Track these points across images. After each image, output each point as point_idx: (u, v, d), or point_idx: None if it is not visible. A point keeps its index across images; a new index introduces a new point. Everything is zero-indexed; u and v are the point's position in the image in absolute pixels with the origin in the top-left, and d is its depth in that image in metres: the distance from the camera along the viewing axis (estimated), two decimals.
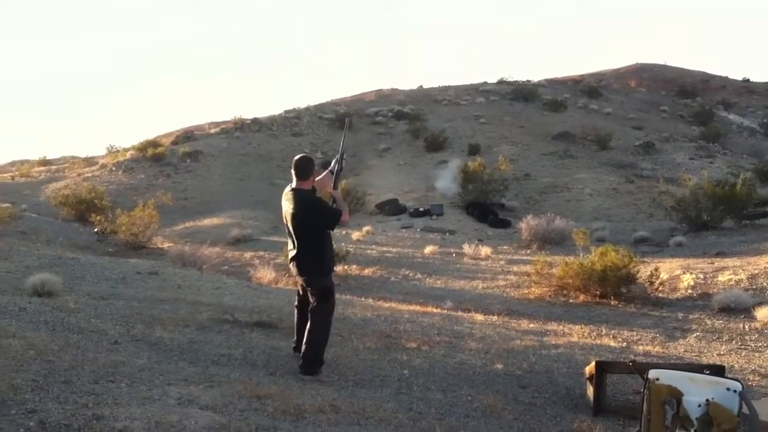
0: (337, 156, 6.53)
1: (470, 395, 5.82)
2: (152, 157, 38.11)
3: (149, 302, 8.53)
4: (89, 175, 36.75)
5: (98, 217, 19.33)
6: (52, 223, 21.06)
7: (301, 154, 6.47)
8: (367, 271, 15.52)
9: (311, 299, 6.18)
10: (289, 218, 6.11)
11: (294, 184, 6.20)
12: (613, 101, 55.69)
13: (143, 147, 40.49)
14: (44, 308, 7.24)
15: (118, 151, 43.64)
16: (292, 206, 6.07)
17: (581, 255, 12.93)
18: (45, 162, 46.83)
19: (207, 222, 25.69)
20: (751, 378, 6.81)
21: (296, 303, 6.57)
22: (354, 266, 15.79)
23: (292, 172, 6.21)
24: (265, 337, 7.37)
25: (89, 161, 43.44)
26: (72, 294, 8.38)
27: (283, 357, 6.54)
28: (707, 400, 4.37)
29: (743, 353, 8.22)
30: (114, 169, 37.52)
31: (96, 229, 19.40)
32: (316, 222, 6.07)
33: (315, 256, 6.08)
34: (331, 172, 6.52)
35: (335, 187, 6.43)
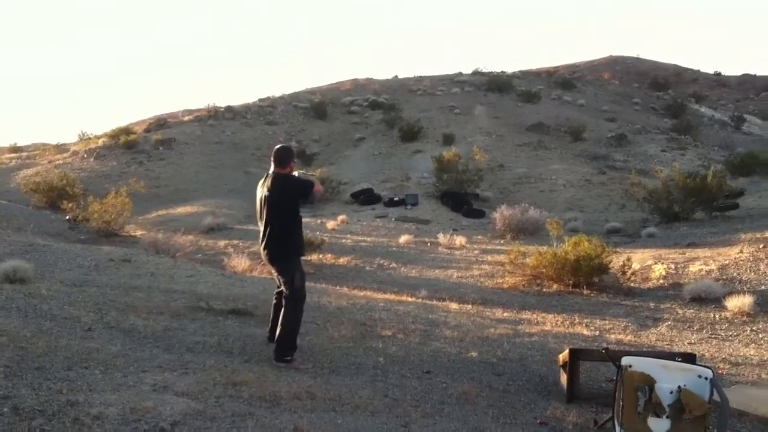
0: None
1: (445, 382, 5.85)
2: (125, 144, 37.71)
3: (122, 290, 8.46)
4: (61, 162, 36.26)
5: (70, 205, 19.15)
6: (23, 210, 20.75)
7: (281, 144, 6.55)
8: (342, 260, 15.52)
9: (284, 287, 6.19)
10: (262, 202, 6.14)
11: (271, 171, 6.21)
12: (586, 93, 56.04)
13: (116, 134, 40.07)
14: (16, 295, 7.15)
15: (90, 138, 43.09)
16: (266, 189, 6.13)
17: (555, 245, 13.02)
18: (15, 149, 46.08)
19: (180, 210, 25.49)
20: (722, 366, 6.91)
21: (275, 293, 6.56)
22: (329, 255, 15.78)
23: (272, 160, 6.21)
24: (239, 324, 7.35)
25: (60, 148, 42.83)
26: (44, 281, 8.28)
27: (258, 344, 6.52)
28: (679, 387, 4.44)
29: (714, 342, 8.35)
30: (86, 156, 37.06)
31: (68, 217, 19.18)
32: (290, 195, 6.11)
33: (284, 241, 6.10)
34: None
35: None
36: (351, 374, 5.83)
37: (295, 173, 6.33)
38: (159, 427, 3.88)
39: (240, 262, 13.60)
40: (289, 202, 6.10)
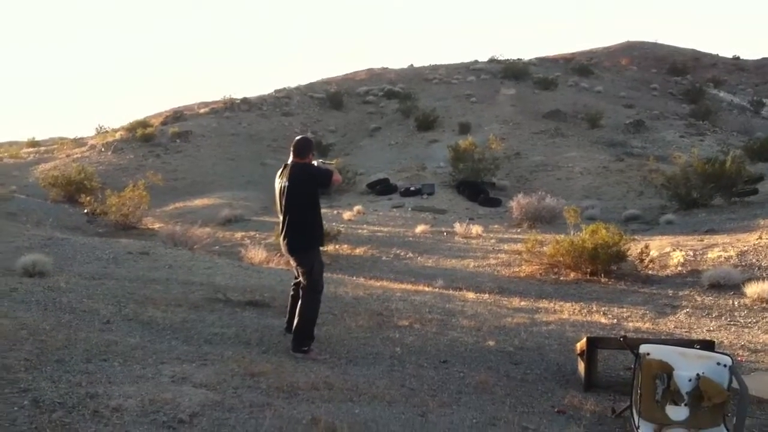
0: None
1: (462, 372, 5.85)
2: (142, 137, 37.91)
3: (141, 282, 8.52)
4: (78, 156, 36.52)
5: (88, 198, 19.26)
6: (42, 204, 20.95)
7: (301, 136, 6.54)
8: (358, 251, 15.53)
9: (302, 278, 6.18)
10: (281, 193, 6.14)
11: (289, 162, 6.22)
12: (603, 79, 55.62)
13: (133, 127, 40.29)
14: (35, 288, 7.23)
15: (107, 131, 43.40)
16: (285, 179, 6.13)
17: (572, 233, 12.96)
18: (34, 143, 46.46)
19: (197, 202, 25.61)
20: (741, 353, 6.86)
21: (292, 284, 6.56)
22: (345, 246, 15.80)
23: (291, 151, 6.23)
24: (257, 315, 7.38)
25: (78, 142, 43.15)
26: (63, 274, 8.37)
27: (275, 335, 6.55)
28: (698, 374, 4.41)
29: (733, 329, 8.28)
30: (103, 149, 37.30)
31: (86, 210, 19.32)
32: (309, 184, 6.10)
33: (303, 231, 6.09)
34: None
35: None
36: (368, 364, 5.84)
37: (314, 162, 6.33)
38: (178, 419, 3.92)
39: (257, 254, 13.66)
40: (307, 191, 6.11)
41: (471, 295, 10.05)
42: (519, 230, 18.46)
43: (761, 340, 7.58)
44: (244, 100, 47.99)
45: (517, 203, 20.03)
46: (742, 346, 7.27)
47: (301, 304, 6.09)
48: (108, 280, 8.41)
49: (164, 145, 37.31)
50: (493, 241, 16.75)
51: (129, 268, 9.68)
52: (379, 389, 5.10)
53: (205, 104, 49.77)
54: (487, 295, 10.24)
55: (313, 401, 4.64)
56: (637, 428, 4.34)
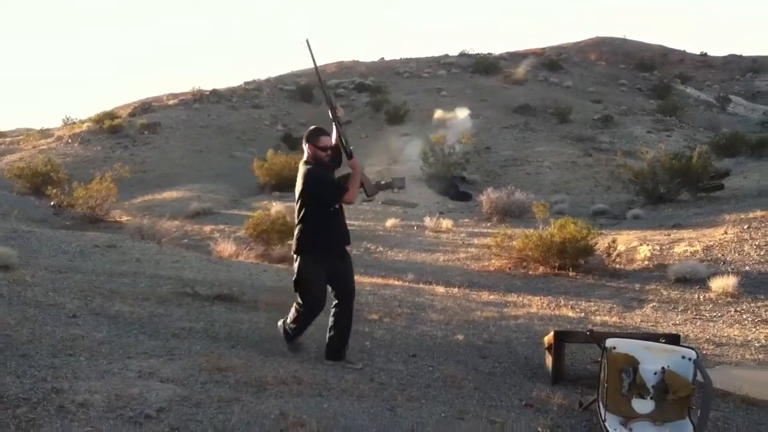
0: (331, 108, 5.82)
1: (431, 366, 5.87)
2: (109, 129, 37.44)
3: (108, 276, 8.43)
4: (45, 147, 35.97)
5: (54, 190, 18.98)
6: (7, 196, 20.58)
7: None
8: None
9: None
10: (296, 196, 5.61)
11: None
12: (573, 74, 56.06)
13: (100, 119, 39.77)
14: (0, 282, 7.10)
15: (74, 123, 42.79)
16: (298, 182, 5.57)
17: (541, 227, 13.07)
18: None
19: (166, 195, 25.36)
20: (706, 347, 6.98)
21: None
22: None
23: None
24: (226, 310, 7.34)
25: (44, 133, 42.50)
26: (28, 267, 8.23)
27: (244, 330, 6.52)
28: (663, 368, 4.48)
29: (698, 323, 8.42)
30: (70, 141, 36.79)
31: (52, 203, 19.04)
32: (314, 196, 5.49)
33: (300, 234, 5.54)
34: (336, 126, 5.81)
35: (349, 155, 5.70)
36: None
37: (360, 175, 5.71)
38: (145, 414, 3.88)
39: (226, 247, 13.57)
40: (313, 202, 5.52)
41: (441, 289, 10.10)
42: (489, 224, 18.56)
43: (726, 334, 7.71)
44: (214, 92, 47.60)
45: (487, 197, 20.13)
46: (707, 339, 7.39)
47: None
48: (74, 273, 8.30)
49: (132, 136, 36.89)
50: (463, 235, 16.83)
51: (96, 262, 9.56)
52: (348, 384, 5.09)
53: (174, 96, 49.29)
54: (456, 289, 10.29)
55: (282, 396, 4.62)
56: (604, 421, 4.39)
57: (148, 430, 3.67)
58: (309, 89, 47.19)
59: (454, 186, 25.77)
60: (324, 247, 5.59)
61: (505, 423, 4.57)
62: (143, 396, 4.13)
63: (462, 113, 35.03)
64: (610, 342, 4.65)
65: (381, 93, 44.95)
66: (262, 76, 54.88)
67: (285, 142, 36.49)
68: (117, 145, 35.34)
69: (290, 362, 5.52)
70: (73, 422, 3.63)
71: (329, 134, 5.76)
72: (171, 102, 46.34)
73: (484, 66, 53.01)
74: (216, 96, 46.70)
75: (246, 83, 51.98)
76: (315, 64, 5.76)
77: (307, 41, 5.58)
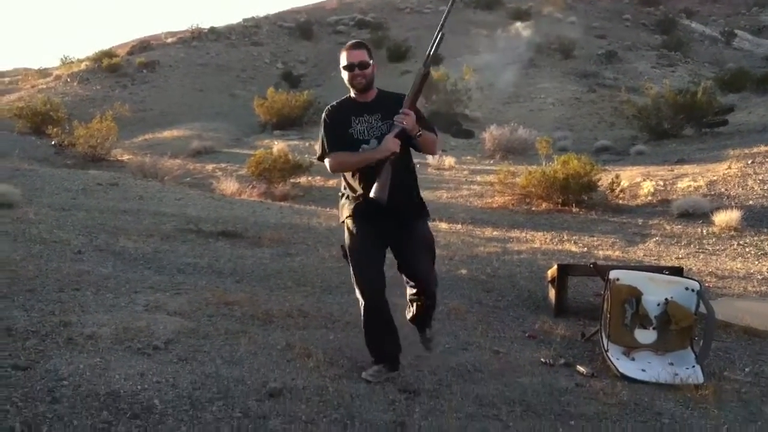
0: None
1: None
2: (108, 67, 37.06)
3: (111, 213, 8.44)
4: (44, 86, 35.66)
5: (55, 130, 18.88)
6: (8, 136, 20.50)
7: None
8: (331, 182, 15.45)
9: None
10: None
11: None
12: (577, 10, 55.03)
13: (98, 57, 39.28)
14: (3, 220, 7.11)
15: (72, 62, 42.22)
16: None
17: (544, 164, 13.01)
18: None
19: (166, 134, 25.25)
20: (708, 280, 7.00)
21: None
22: (318, 177, 15.72)
23: None
24: (230, 246, 7.37)
25: (43, 73, 42.02)
26: (32, 205, 8.24)
27: (249, 265, 6.56)
28: (666, 299, 4.50)
29: (701, 256, 8.45)
30: (69, 80, 36.44)
31: (53, 142, 18.96)
32: None
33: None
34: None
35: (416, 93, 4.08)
36: (342, 293, 5.85)
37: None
38: (153, 346, 3.92)
39: (229, 186, 13.56)
40: None
41: (444, 226, 10.10)
42: (491, 162, 18.50)
43: (728, 267, 7.74)
44: (212, 30, 46.87)
45: (490, 135, 20.02)
46: (710, 272, 7.42)
47: None
48: (78, 211, 8.31)
49: (131, 75, 36.55)
50: (465, 172, 16.78)
51: (99, 199, 9.56)
52: (353, 317, 5.12)
53: (172, 34, 48.57)
54: (459, 226, 10.30)
55: (288, 329, 4.66)
56: (606, 351, 4.44)
57: (157, 361, 3.71)
58: (309, 26, 46.49)
59: (456, 123, 25.58)
60: None
61: (509, 353, 4.62)
62: (151, 329, 4.17)
63: (464, 49, 34.55)
64: (613, 274, 4.67)
65: (382, 30, 44.27)
66: (261, 13, 54.03)
67: (285, 80, 36.12)
68: (116, 84, 35.02)
69: (295, 296, 5.56)
70: (82, 354, 3.67)
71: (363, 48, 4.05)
72: (169, 40, 45.71)
73: (486, 1, 52.03)
74: (214, 34, 46.01)
75: (245, 20, 51.09)
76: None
77: None
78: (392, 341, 4.03)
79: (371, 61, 3.98)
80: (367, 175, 3.86)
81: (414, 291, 4.17)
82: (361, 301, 3.93)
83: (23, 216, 7.46)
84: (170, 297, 5.03)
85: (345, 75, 3.95)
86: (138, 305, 4.72)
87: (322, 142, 3.98)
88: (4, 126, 23.06)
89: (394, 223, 3.95)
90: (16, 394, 3.13)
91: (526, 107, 28.65)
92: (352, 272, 3.96)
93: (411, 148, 4.04)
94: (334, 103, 4.07)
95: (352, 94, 3.99)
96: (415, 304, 4.21)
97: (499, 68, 35.21)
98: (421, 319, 4.27)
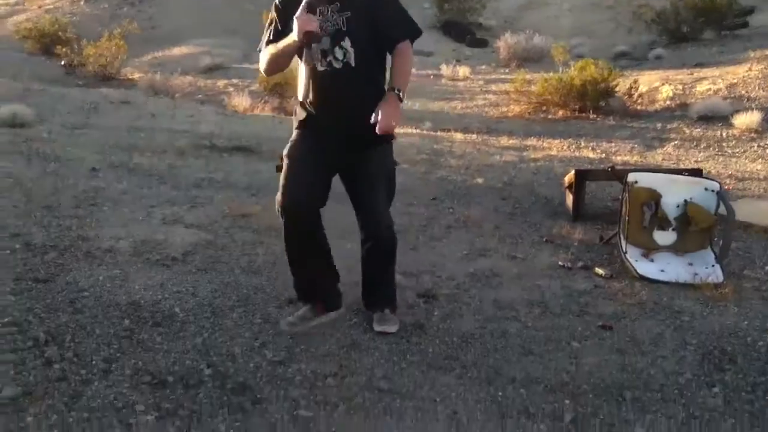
0: None
1: (452, 207, 5.89)
2: None
3: (124, 131, 8.40)
4: (51, 6, 35.03)
5: (64, 50, 18.70)
6: (17, 57, 20.32)
7: None
8: None
9: None
10: None
11: None
12: None
13: None
14: (17, 139, 7.10)
15: None
16: None
17: (560, 71, 12.75)
18: None
19: (176, 51, 24.92)
20: (728, 182, 6.90)
21: None
22: None
23: None
24: (244, 160, 7.34)
25: None
26: (44, 124, 8.21)
27: (264, 179, 6.52)
28: (685, 200, 4.46)
29: (720, 159, 8.32)
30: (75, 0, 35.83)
31: (63, 62, 18.80)
32: None
33: None
34: None
35: None
36: None
37: None
38: (171, 257, 3.95)
39: (241, 101, 13.41)
40: None
41: (459, 136, 9.99)
42: (507, 70, 18.14)
43: (749, 169, 7.63)
44: None
45: (505, 43, 19.59)
46: (729, 175, 7.32)
47: None
48: (91, 129, 8.28)
49: None
50: (480, 82, 16.51)
51: (111, 117, 9.50)
52: None
53: None
54: (475, 136, 10.18)
55: None
56: (625, 253, 4.42)
57: (176, 272, 3.74)
58: None
59: (470, 32, 25.06)
60: None
61: (526, 258, 4.62)
62: (168, 241, 4.20)
63: None
64: (632, 176, 4.60)
65: None
66: None
67: None
68: (123, 2, 34.37)
69: None
70: (101, 266, 3.70)
71: None
72: None
73: None
74: None
75: None
76: None
77: None
78: (322, 272, 3.51)
79: None
80: (319, 78, 3.15)
81: (363, 236, 3.60)
82: (281, 220, 3.35)
83: (37, 135, 7.44)
84: (186, 210, 5.04)
85: None
86: (155, 219, 4.74)
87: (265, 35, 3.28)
88: (13, 47, 22.85)
89: (346, 146, 3.29)
90: (38, 305, 3.17)
91: (542, 14, 27.91)
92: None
93: (387, 53, 3.31)
94: None
95: None
96: (364, 260, 3.57)
97: None
98: (372, 285, 3.61)
